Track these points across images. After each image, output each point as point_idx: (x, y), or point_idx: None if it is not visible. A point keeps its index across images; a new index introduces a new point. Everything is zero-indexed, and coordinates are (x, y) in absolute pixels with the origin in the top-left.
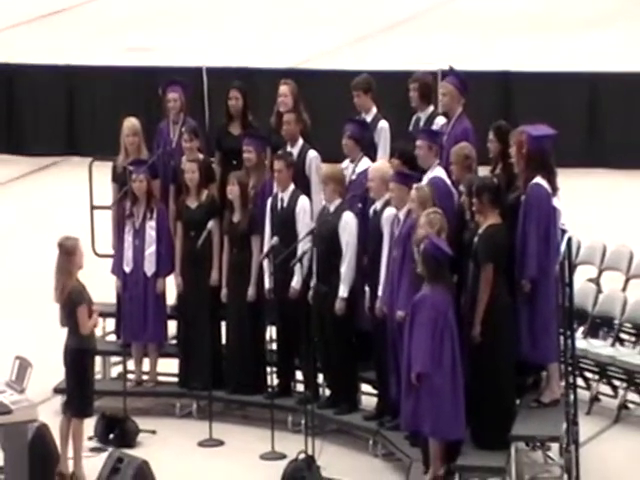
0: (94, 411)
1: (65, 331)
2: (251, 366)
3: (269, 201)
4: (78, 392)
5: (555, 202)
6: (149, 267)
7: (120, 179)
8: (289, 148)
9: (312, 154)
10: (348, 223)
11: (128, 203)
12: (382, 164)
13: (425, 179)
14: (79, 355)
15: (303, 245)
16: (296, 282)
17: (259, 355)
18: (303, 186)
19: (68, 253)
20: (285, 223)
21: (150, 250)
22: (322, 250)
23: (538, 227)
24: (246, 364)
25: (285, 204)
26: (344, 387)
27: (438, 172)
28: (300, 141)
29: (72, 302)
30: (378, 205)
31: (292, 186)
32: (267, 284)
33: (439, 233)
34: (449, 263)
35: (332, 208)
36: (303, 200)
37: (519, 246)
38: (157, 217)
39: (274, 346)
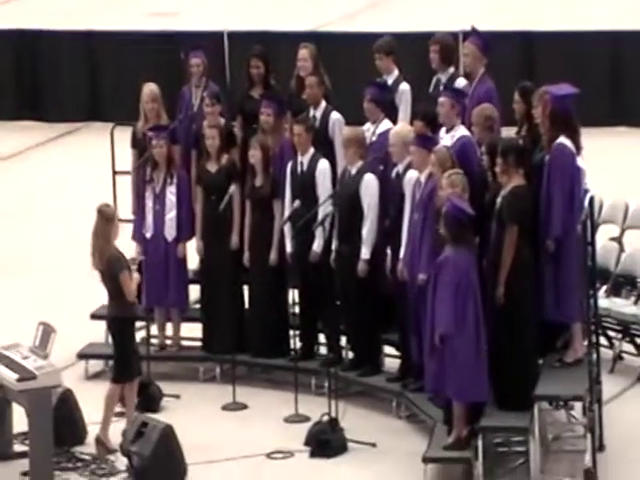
0: (134, 376)
1: (89, 295)
2: (274, 329)
3: (289, 165)
4: (117, 359)
5: (579, 162)
6: (170, 232)
7: (139, 145)
8: (312, 111)
9: (335, 116)
10: (369, 185)
11: (148, 169)
12: (403, 127)
13: (449, 138)
14: (120, 323)
15: (324, 208)
16: (317, 246)
17: (282, 318)
18: (326, 149)
19: (107, 220)
20: (305, 187)
21: (170, 215)
22: (344, 212)
23: (563, 187)
24: (269, 327)
25: (305, 168)
26: (367, 349)
27: (463, 131)
28: (323, 104)
29: (113, 270)
30: (400, 168)
31: (312, 150)
32: (289, 248)
33: (462, 194)
34: (471, 224)
35: (354, 171)
36: (323, 163)
37: (544, 206)
38: (177, 182)
39: (297, 309)
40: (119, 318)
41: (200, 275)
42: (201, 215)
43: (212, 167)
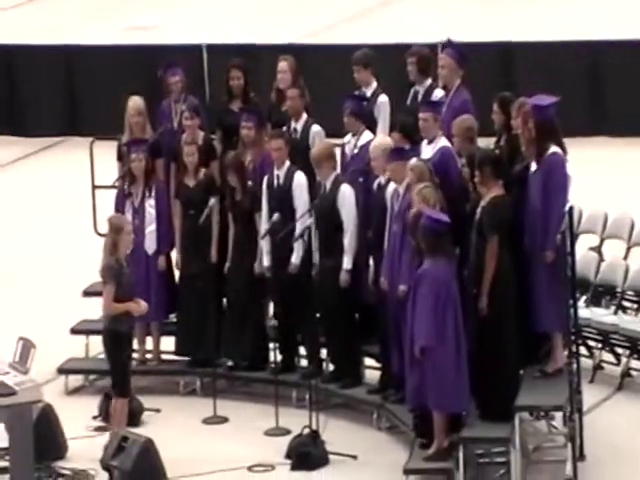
0: (120, 392)
1: (69, 310)
2: (254, 342)
3: (265, 179)
4: (110, 371)
5: (568, 168)
6: (150, 245)
7: (125, 158)
8: (293, 123)
9: (315, 129)
10: (346, 196)
11: (127, 183)
12: (383, 139)
13: (431, 150)
14: (105, 335)
15: (303, 221)
16: (296, 257)
17: (261, 331)
18: (307, 161)
19: (112, 231)
20: (282, 200)
21: (150, 228)
22: (323, 225)
23: (563, 198)
24: (248, 340)
25: (281, 181)
26: (348, 361)
27: (444, 142)
28: (304, 116)
29: (102, 280)
30: (382, 179)
31: (288, 162)
32: (265, 262)
33: (434, 206)
34: (450, 234)
35: (328, 184)
36: (299, 176)
37: (538, 217)
38: (156, 195)
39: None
40: (104, 329)
41: (180, 288)
42: (180, 229)
43: (190, 181)
